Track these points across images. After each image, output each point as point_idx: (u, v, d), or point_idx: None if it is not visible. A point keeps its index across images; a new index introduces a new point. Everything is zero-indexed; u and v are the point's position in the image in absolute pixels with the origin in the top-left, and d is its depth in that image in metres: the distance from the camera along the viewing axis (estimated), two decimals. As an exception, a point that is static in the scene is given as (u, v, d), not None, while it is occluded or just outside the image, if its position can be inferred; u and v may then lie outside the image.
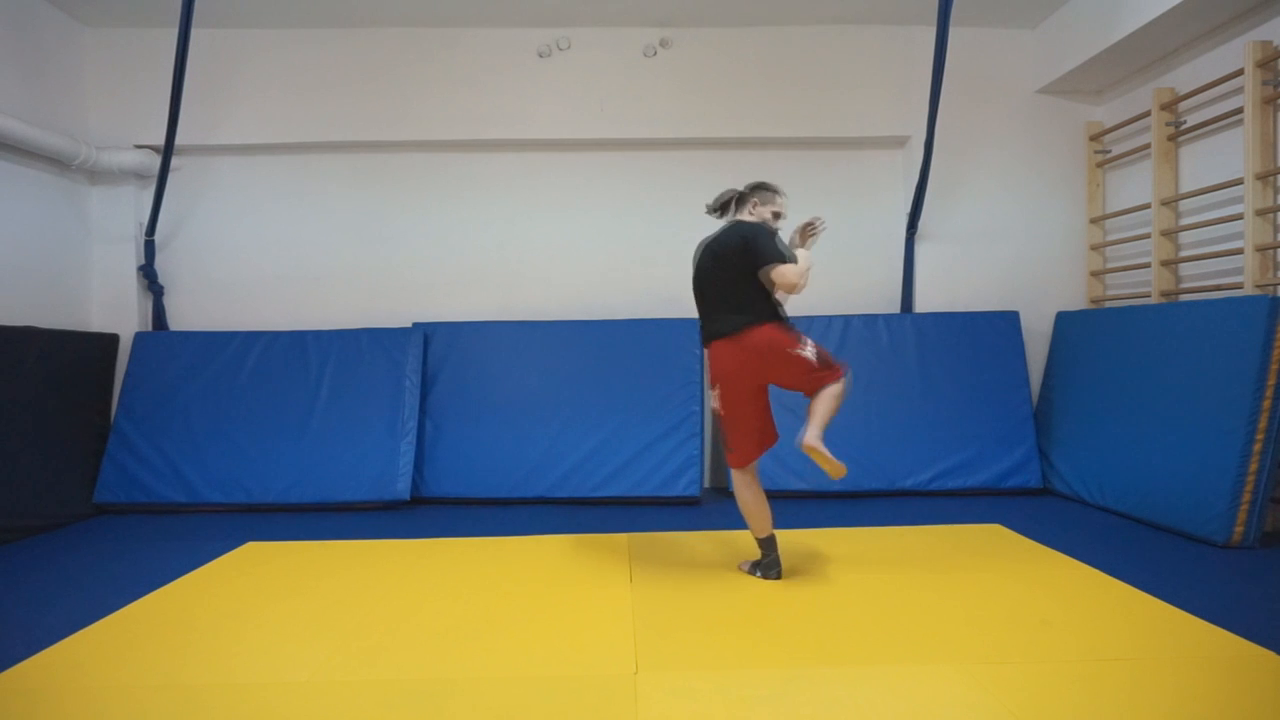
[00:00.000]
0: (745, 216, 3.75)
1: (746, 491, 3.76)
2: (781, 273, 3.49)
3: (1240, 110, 4.66)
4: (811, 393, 3.63)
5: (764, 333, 3.57)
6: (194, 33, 5.24)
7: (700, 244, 3.76)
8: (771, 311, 3.62)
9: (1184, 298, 5.20)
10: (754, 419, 3.71)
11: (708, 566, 3.99)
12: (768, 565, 3.76)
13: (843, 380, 3.63)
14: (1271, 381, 4.21)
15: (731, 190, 3.80)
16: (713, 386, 3.71)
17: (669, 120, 6.07)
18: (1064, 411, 5.73)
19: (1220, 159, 4.96)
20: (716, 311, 3.64)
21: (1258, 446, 4.22)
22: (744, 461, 3.74)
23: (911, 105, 5.92)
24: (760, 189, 3.76)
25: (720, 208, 3.79)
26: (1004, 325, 5.92)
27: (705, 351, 3.75)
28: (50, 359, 5.24)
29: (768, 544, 3.78)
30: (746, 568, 3.87)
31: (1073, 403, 5.66)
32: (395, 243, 6.21)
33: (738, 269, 3.57)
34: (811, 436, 3.52)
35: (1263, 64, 4.51)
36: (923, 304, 6.18)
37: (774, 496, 5.59)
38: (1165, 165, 5.34)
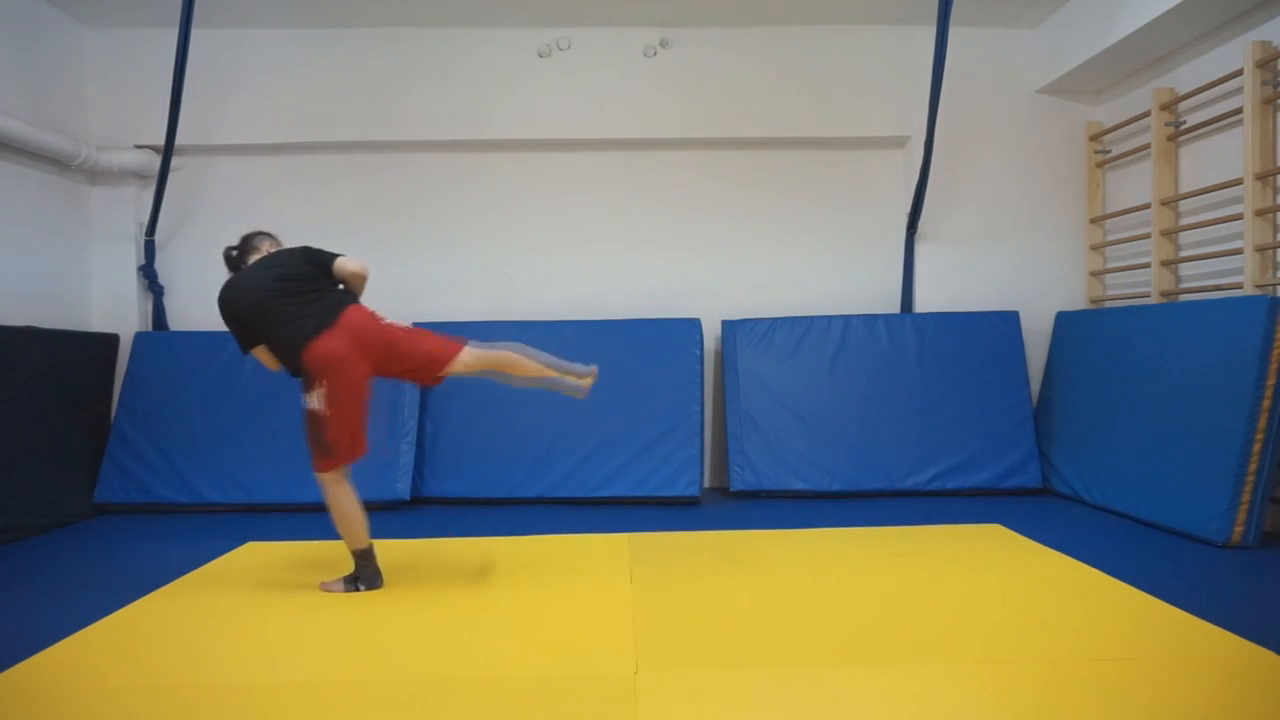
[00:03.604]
0: (265, 254, 3.83)
1: (348, 501, 3.57)
2: (344, 264, 3.69)
3: (1240, 110, 4.66)
4: (429, 375, 3.72)
5: (358, 310, 3.63)
6: (194, 33, 5.24)
7: (235, 285, 3.72)
8: (354, 296, 3.74)
9: (1184, 298, 5.20)
10: (362, 412, 3.60)
11: (708, 566, 3.99)
12: (370, 576, 3.62)
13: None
14: (1271, 381, 4.21)
15: (245, 237, 3.94)
16: (317, 385, 3.49)
17: (669, 121, 6.07)
18: (1064, 411, 5.73)
19: (1220, 159, 4.96)
20: (301, 315, 3.54)
21: (1258, 446, 4.22)
22: (344, 460, 3.58)
23: (911, 105, 5.92)
24: (260, 235, 3.94)
25: (242, 253, 3.88)
26: (1004, 325, 5.92)
27: (303, 356, 3.53)
28: (50, 359, 5.24)
29: (365, 555, 3.63)
30: (339, 587, 3.60)
31: (1073, 403, 5.66)
32: (395, 243, 6.20)
33: (311, 274, 3.64)
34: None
35: (1263, 64, 4.51)
36: (923, 304, 6.17)
37: (774, 497, 5.65)
38: (1165, 165, 5.34)
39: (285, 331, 3.54)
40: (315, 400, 3.51)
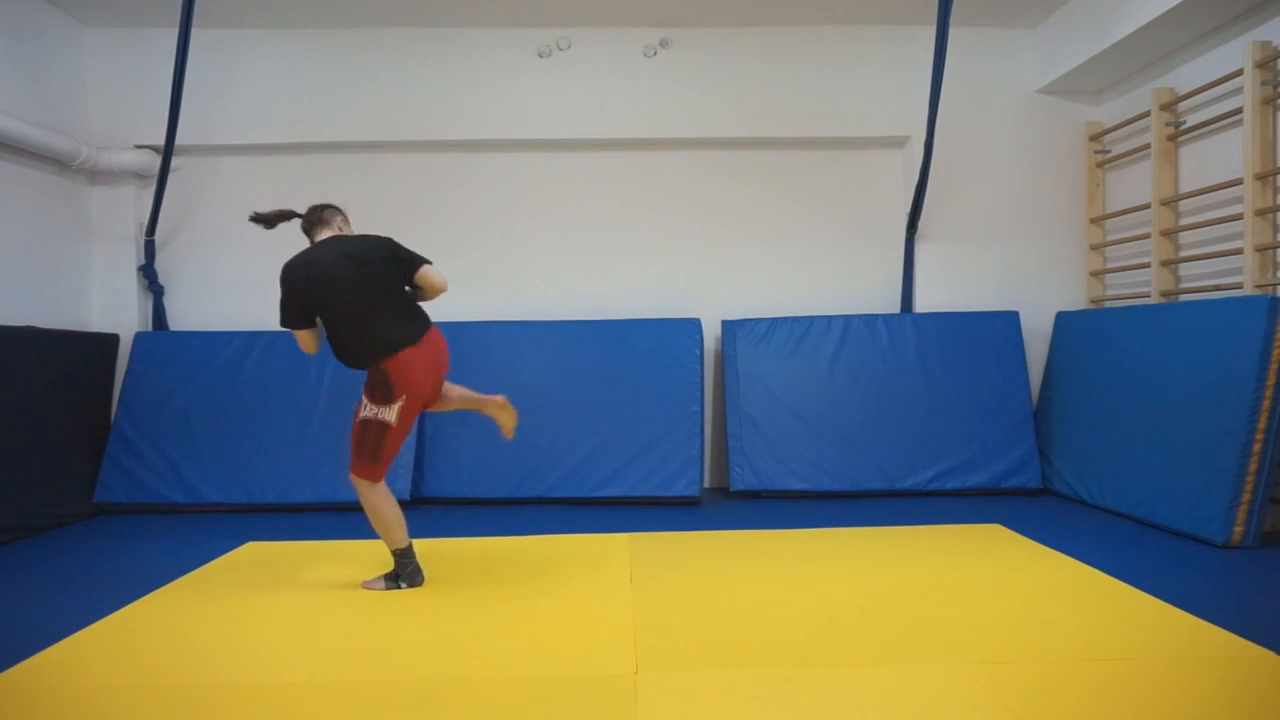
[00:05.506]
0: (337, 232, 3.72)
1: (386, 504, 3.60)
2: (430, 275, 3.58)
3: (1240, 110, 4.66)
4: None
5: (439, 334, 3.65)
6: (194, 33, 5.25)
7: (312, 262, 3.54)
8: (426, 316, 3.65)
9: (1184, 298, 5.20)
10: (410, 427, 3.65)
11: (708, 566, 3.99)
12: (411, 573, 3.65)
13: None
14: (1271, 381, 4.21)
15: (315, 207, 3.79)
16: (394, 399, 3.48)
17: (669, 120, 6.07)
18: (1064, 411, 5.73)
19: (1220, 159, 4.96)
20: (391, 318, 3.50)
21: (1257, 446, 4.22)
22: (384, 474, 3.63)
23: (911, 105, 5.92)
24: (331, 209, 3.79)
25: (312, 224, 3.73)
26: (1004, 325, 5.92)
27: (383, 364, 3.47)
28: (50, 359, 5.24)
29: (405, 554, 3.65)
30: (380, 585, 3.63)
31: (1073, 403, 5.66)
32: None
33: (395, 275, 3.58)
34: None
35: (1262, 64, 4.51)
36: (923, 304, 6.17)
37: (774, 497, 5.65)
38: (1165, 165, 5.34)
39: (370, 328, 3.47)
40: (388, 413, 3.50)
